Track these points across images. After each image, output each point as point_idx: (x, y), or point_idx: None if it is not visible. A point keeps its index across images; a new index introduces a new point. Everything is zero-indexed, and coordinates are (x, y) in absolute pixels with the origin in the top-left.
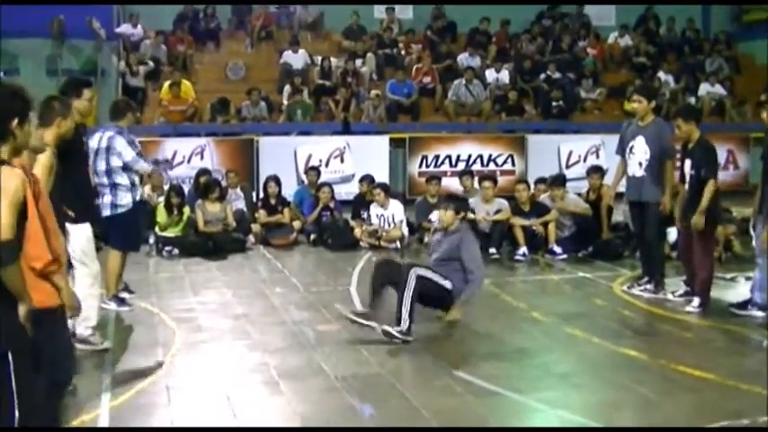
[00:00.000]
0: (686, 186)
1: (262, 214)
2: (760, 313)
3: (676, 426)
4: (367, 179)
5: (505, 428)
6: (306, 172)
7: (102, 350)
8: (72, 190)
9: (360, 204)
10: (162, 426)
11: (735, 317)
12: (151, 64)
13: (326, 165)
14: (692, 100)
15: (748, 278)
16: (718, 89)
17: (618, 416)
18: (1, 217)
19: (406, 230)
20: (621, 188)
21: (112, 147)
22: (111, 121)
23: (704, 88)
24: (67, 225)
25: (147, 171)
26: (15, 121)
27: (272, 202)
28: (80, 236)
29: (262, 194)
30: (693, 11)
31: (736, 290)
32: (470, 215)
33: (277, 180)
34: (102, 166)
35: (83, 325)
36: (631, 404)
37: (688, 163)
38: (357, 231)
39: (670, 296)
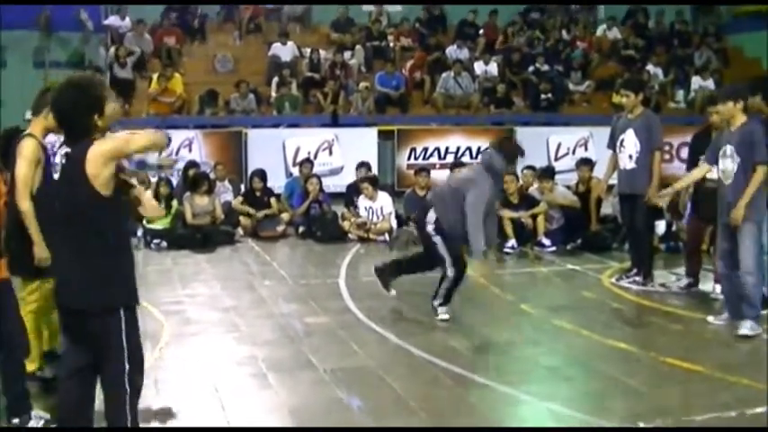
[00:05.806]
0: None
1: (237, 201)
2: None
3: (665, 418)
4: (365, 166)
5: (494, 428)
6: (300, 164)
7: None
8: None
9: (354, 192)
10: (150, 419)
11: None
12: (138, 50)
13: (315, 157)
14: (681, 93)
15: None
16: (710, 84)
17: (607, 408)
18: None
19: (394, 223)
20: (611, 180)
21: None
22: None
23: (696, 82)
24: None
25: None
26: (96, 116)
27: (258, 194)
28: None
29: (248, 188)
30: (683, 7)
31: None
32: None
33: (262, 175)
34: None
35: None
36: (620, 396)
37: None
38: (346, 224)
39: (676, 288)
